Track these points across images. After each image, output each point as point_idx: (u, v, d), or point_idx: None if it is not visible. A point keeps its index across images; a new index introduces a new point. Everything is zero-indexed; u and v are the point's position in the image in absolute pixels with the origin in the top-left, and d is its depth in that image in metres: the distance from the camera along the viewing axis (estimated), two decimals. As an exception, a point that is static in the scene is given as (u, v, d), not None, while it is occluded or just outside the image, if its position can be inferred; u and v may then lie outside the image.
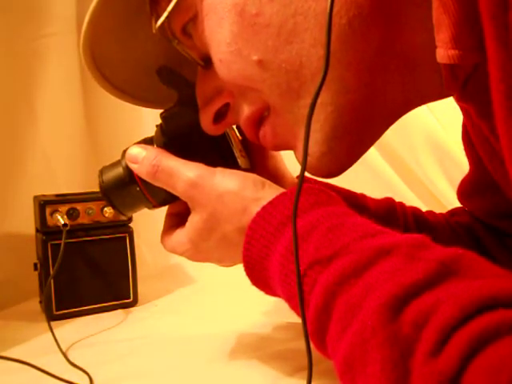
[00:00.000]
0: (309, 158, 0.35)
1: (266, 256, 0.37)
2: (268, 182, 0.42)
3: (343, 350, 0.29)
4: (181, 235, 0.45)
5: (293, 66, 0.36)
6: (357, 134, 0.39)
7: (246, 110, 0.41)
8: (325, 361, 0.33)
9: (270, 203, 0.38)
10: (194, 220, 0.43)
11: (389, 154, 1.07)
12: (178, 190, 0.43)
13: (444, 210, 0.62)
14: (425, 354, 0.25)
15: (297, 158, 0.42)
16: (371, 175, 1.03)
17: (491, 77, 0.27)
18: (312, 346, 0.32)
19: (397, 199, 0.59)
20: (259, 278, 0.39)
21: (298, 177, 0.51)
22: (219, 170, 0.42)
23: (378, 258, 0.30)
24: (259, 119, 0.41)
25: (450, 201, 0.99)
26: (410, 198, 1.02)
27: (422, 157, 1.06)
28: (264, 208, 0.38)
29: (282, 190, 0.40)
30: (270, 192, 0.40)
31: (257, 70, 0.37)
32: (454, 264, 0.28)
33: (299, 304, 0.33)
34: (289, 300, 0.36)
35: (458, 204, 0.61)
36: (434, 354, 0.25)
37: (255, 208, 0.39)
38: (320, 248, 0.33)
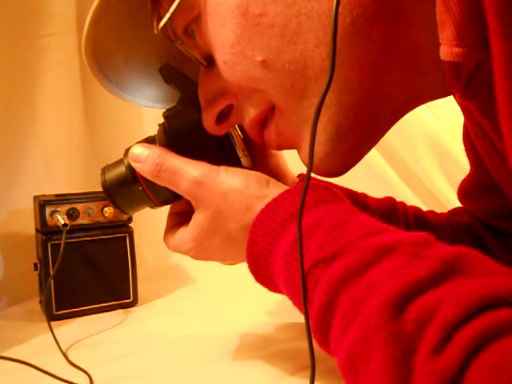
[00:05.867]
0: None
1: (269, 253, 0.37)
2: (272, 179, 0.42)
3: (346, 347, 0.29)
4: (184, 234, 0.45)
5: (297, 67, 0.36)
6: (360, 133, 0.39)
7: (251, 112, 0.41)
8: (328, 360, 0.33)
9: (275, 200, 0.38)
10: (197, 218, 0.43)
11: (389, 154, 1.07)
12: (182, 188, 0.43)
13: (444, 210, 0.63)
14: (427, 351, 0.25)
15: (300, 157, 0.42)
16: (371, 175, 1.03)
17: (495, 74, 0.27)
18: (315, 344, 0.32)
19: (397, 199, 0.59)
20: (263, 274, 0.39)
21: (299, 175, 0.52)
22: (223, 168, 0.42)
23: (381, 255, 0.30)
24: (263, 120, 0.41)
25: (450, 201, 1.00)
26: (410, 198, 1.02)
27: (422, 157, 1.06)
28: (268, 205, 0.38)
29: (285, 187, 0.40)
30: (274, 190, 0.40)
31: (261, 71, 0.37)
32: (457, 262, 0.28)
33: (302, 301, 0.33)
34: (292, 297, 0.37)
35: (458, 204, 0.61)
36: (437, 351, 0.25)
37: (259, 206, 0.39)
38: (324, 246, 0.33)
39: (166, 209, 0.49)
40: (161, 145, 0.46)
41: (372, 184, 1.00)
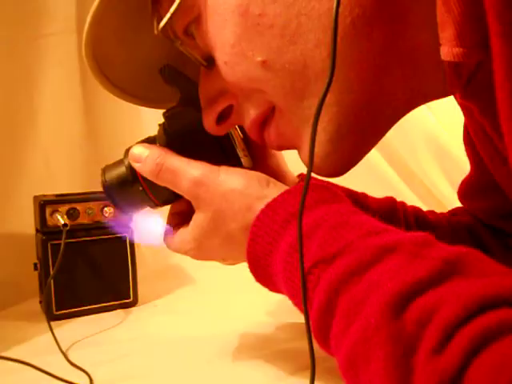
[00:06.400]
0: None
1: (269, 253, 0.37)
2: (272, 179, 0.42)
3: (346, 347, 0.29)
4: (184, 234, 0.45)
5: (297, 67, 0.36)
6: (361, 133, 0.39)
7: (251, 113, 0.41)
8: (328, 359, 0.33)
9: (275, 200, 0.38)
10: (198, 219, 0.43)
11: (389, 153, 1.07)
12: (182, 188, 0.43)
13: (444, 210, 0.63)
14: (427, 351, 0.25)
15: (301, 157, 0.42)
16: (371, 175, 1.03)
17: (496, 75, 0.27)
18: (315, 344, 0.32)
19: (397, 199, 0.59)
20: (263, 274, 0.39)
21: (299, 175, 0.52)
22: (223, 168, 0.42)
23: (381, 256, 0.30)
24: (264, 120, 0.41)
25: (450, 201, 1.00)
26: (410, 198, 1.02)
27: (422, 157, 1.06)
28: (268, 205, 0.38)
29: (286, 187, 0.40)
30: (274, 190, 0.40)
31: (261, 71, 0.37)
32: (458, 262, 0.28)
33: (302, 301, 0.33)
34: (292, 297, 0.37)
35: (458, 204, 0.61)
36: (437, 351, 0.25)
37: (260, 206, 0.39)
38: (324, 246, 0.33)
39: (166, 209, 0.49)
40: (161, 145, 0.46)
41: (372, 184, 0.99)
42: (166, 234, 0.48)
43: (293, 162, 0.48)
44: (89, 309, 0.66)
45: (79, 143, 0.84)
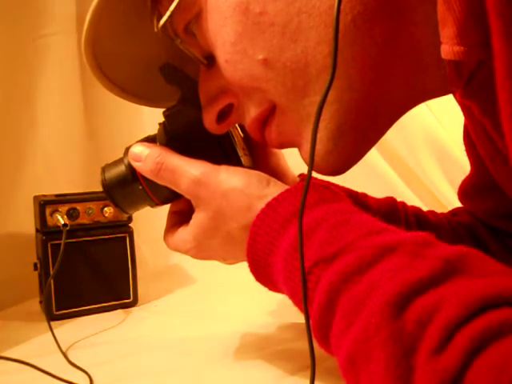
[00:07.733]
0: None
1: (270, 252, 0.37)
2: (273, 179, 0.42)
3: (347, 347, 0.29)
4: (184, 233, 0.45)
5: (298, 65, 0.36)
6: (362, 131, 0.39)
7: (252, 112, 0.41)
8: (328, 359, 0.33)
9: (275, 200, 0.38)
10: (198, 218, 0.43)
11: (389, 153, 1.07)
12: (182, 187, 0.43)
13: (444, 210, 0.62)
14: (428, 351, 0.25)
15: (302, 155, 0.42)
16: (371, 175, 1.03)
17: (497, 73, 0.27)
18: (315, 344, 0.32)
19: (397, 199, 0.59)
20: (263, 274, 0.39)
21: (299, 175, 0.52)
22: (223, 167, 0.42)
23: (382, 255, 0.30)
24: (265, 119, 0.41)
25: (450, 201, 1.00)
26: (410, 198, 1.02)
27: (422, 157, 1.06)
28: (269, 205, 0.38)
29: (286, 186, 0.40)
30: (274, 189, 0.40)
31: (262, 70, 0.37)
32: (458, 262, 0.28)
33: (303, 301, 0.33)
34: (292, 296, 0.37)
35: (458, 204, 0.61)
36: (438, 351, 0.25)
37: (260, 205, 0.39)
38: (324, 245, 0.33)
39: (166, 208, 0.49)
40: (161, 144, 0.46)
41: (372, 184, 1.00)
42: (166, 233, 0.48)
43: (293, 162, 0.48)
44: (89, 309, 0.66)
45: (79, 143, 0.84)
